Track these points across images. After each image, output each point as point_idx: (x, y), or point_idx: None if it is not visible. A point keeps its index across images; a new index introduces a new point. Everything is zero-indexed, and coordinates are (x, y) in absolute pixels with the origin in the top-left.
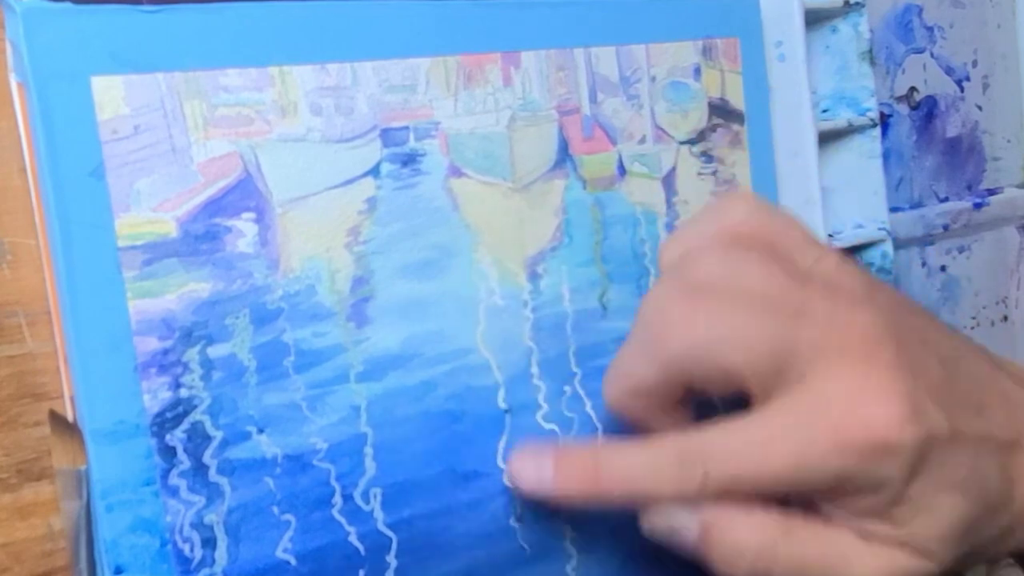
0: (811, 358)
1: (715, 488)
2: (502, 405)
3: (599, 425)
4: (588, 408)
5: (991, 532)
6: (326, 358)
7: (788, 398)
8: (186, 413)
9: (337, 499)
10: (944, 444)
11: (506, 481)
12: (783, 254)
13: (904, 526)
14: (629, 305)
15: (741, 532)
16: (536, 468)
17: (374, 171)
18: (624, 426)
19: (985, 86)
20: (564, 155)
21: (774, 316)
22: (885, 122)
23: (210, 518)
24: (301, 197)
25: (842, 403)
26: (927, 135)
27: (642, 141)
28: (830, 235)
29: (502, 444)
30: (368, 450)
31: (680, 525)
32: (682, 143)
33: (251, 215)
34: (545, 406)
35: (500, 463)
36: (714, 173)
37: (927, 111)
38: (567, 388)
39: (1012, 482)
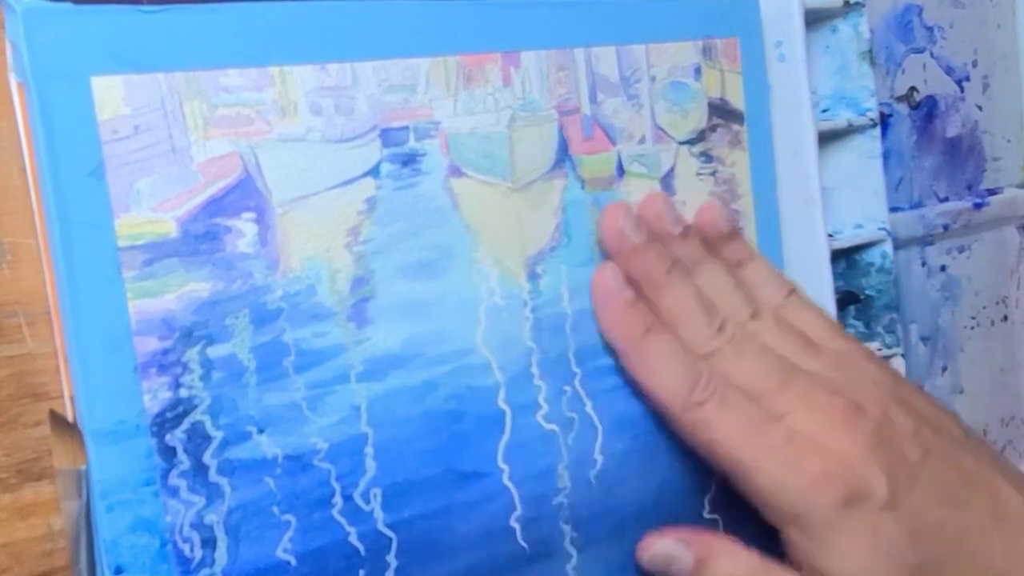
0: None
1: None
2: (502, 405)
3: (600, 426)
4: (589, 408)
5: None
6: (326, 358)
7: None
8: (186, 413)
9: (337, 499)
10: None
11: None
12: None
13: None
14: None
15: (728, 566)
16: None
17: (374, 171)
18: (626, 427)
19: (985, 86)
20: (564, 155)
21: None
22: (885, 122)
23: (210, 518)
24: (301, 197)
25: None
26: (927, 135)
27: (642, 141)
28: (830, 235)
29: (502, 444)
30: (368, 450)
31: (676, 557)
32: (682, 143)
33: (251, 215)
34: (545, 406)
35: (500, 463)
36: (713, 173)
37: (927, 111)
38: (567, 388)
39: None
